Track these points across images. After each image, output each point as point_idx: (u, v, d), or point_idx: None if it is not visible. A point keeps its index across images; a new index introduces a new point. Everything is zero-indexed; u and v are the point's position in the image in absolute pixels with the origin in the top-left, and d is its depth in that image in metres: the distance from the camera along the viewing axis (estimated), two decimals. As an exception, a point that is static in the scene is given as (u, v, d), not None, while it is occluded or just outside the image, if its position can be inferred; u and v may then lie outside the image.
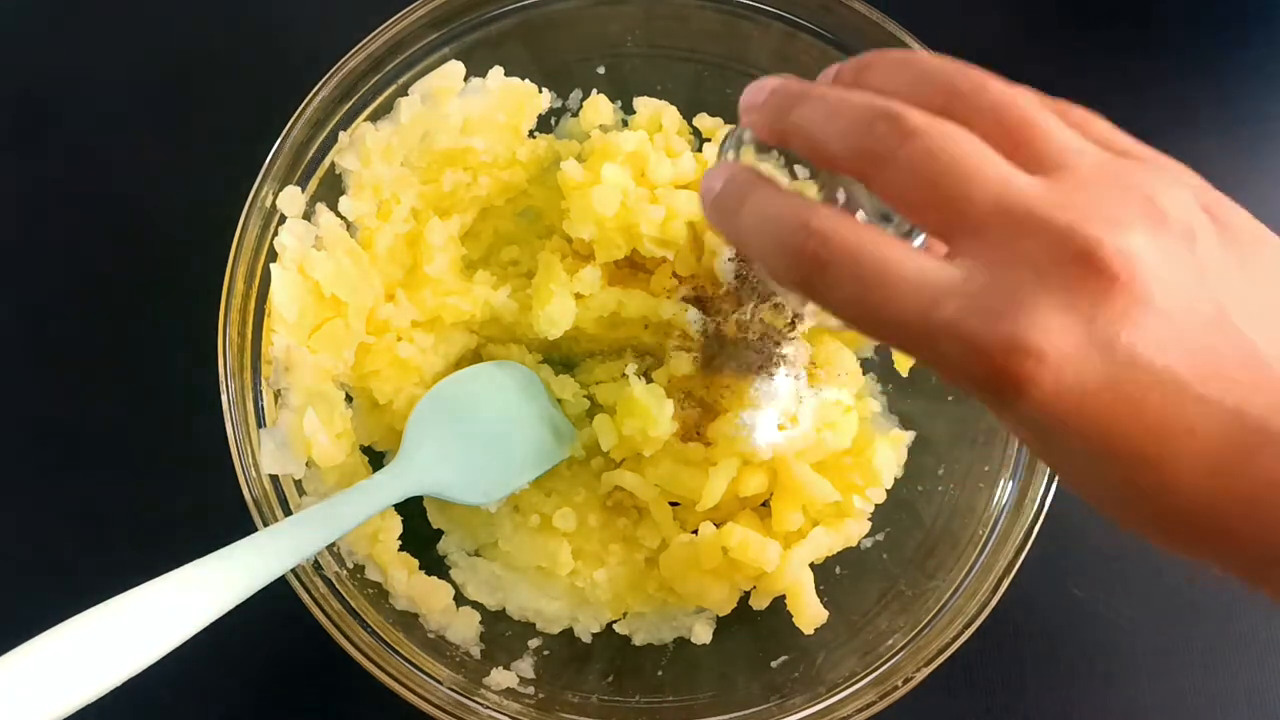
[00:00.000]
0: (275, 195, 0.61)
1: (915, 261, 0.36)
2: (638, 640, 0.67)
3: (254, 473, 0.58)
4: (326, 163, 0.64)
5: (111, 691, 0.46)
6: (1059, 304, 0.34)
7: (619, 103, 0.73)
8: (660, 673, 0.66)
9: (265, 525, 0.57)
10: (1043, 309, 0.34)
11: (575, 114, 0.73)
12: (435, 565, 0.67)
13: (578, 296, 0.69)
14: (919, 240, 0.43)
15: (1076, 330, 0.34)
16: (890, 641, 0.61)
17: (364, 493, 0.58)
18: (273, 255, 0.61)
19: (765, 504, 0.68)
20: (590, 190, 0.67)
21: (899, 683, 0.58)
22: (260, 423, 0.60)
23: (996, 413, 0.37)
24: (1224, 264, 0.37)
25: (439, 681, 0.58)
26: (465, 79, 0.67)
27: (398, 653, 0.58)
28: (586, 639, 0.67)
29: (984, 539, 0.62)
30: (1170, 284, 0.35)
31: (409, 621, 0.62)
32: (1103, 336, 0.34)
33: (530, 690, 0.62)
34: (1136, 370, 0.34)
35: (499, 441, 0.67)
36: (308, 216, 0.63)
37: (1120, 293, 0.34)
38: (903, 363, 0.70)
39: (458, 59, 0.66)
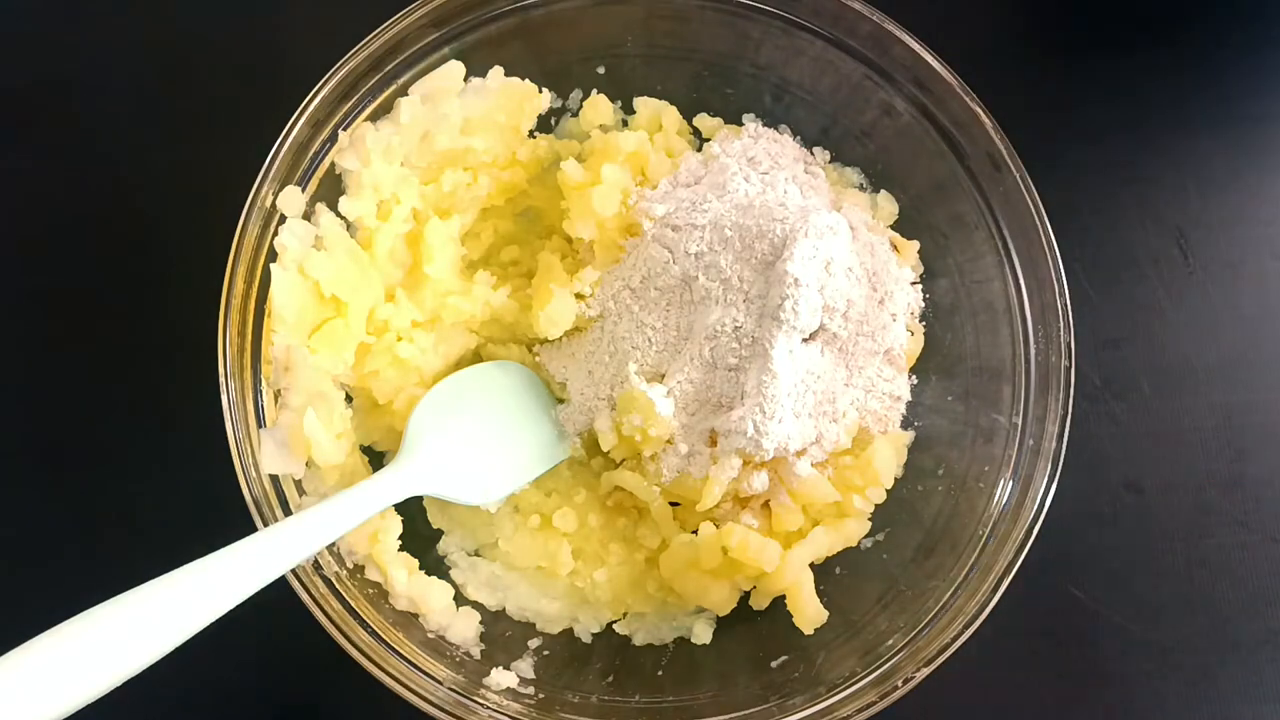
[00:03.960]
0: (275, 195, 0.61)
1: None
2: (638, 640, 0.67)
3: (254, 473, 0.58)
4: (326, 163, 0.64)
5: (111, 691, 0.46)
6: None
7: (619, 103, 0.73)
8: (660, 673, 0.66)
9: (265, 525, 0.57)
10: None
11: (575, 114, 0.73)
12: (435, 565, 0.67)
13: (578, 296, 0.69)
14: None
15: None
16: (890, 641, 0.61)
17: (364, 493, 0.58)
18: (273, 255, 0.61)
19: (765, 504, 0.68)
20: (590, 190, 0.67)
21: (899, 683, 0.58)
22: (260, 423, 0.60)
23: None
24: None
25: (439, 681, 0.58)
26: (465, 79, 0.67)
27: (398, 653, 0.58)
28: (586, 639, 0.67)
29: (984, 539, 0.62)
30: None
31: (409, 621, 0.62)
32: None
33: (530, 690, 0.62)
34: None
35: (499, 441, 0.67)
36: (308, 216, 0.63)
37: None
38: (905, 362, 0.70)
39: (458, 59, 0.66)
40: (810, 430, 0.65)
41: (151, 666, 0.48)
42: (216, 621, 0.51)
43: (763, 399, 0.63)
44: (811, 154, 0.73)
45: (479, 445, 0.66)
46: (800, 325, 0.64)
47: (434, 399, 0.65)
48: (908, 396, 0.69)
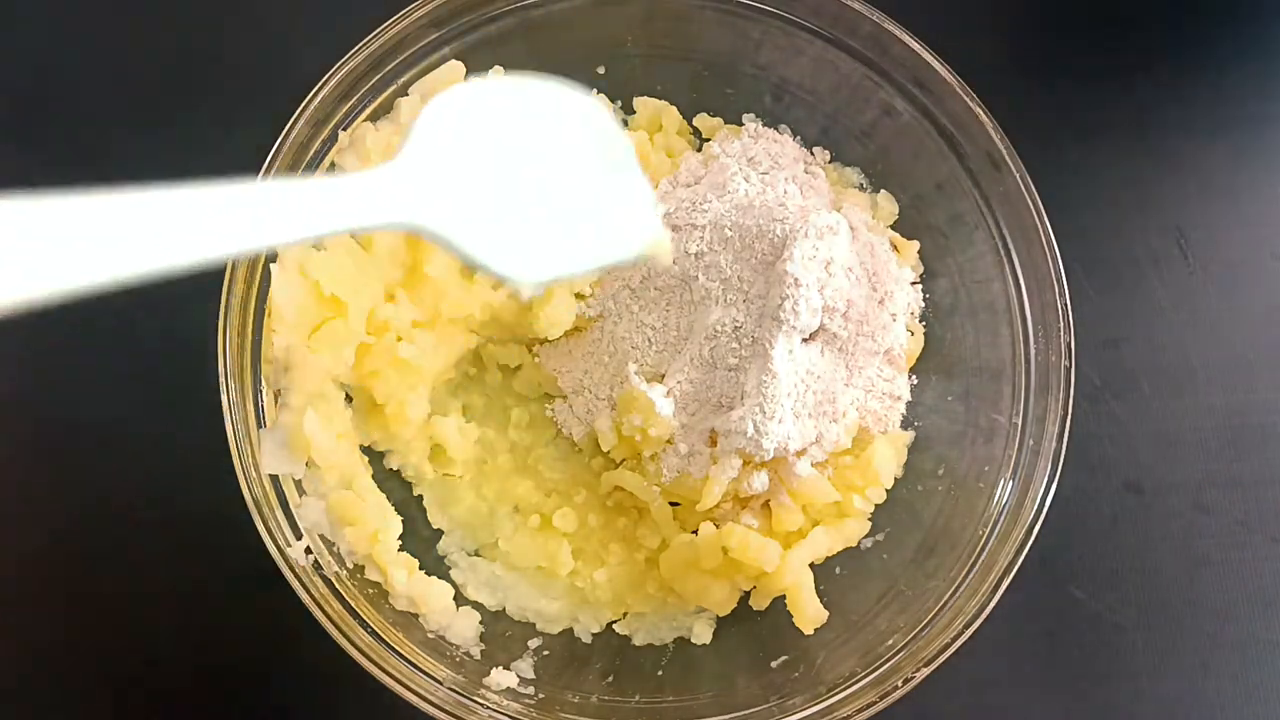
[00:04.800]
0: (275, 195, 0.61)
1: None
2: (638, 640, 0.67)
3: (254, 473, 0.58)
4: (326, 163, 0.64)
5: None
6: None
7: (619, 103, 0.73)
8: (660, 673, 0.66)
9: (266, 525, 0.57)
10: None
11: (575, 114, 0.73)
12: (435, 565, 0.67)
13: (578, 296, 0.69)
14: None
15: None
16: (890, 641, 0.61)
17: (346, 191, 0.40)
18: (273, 255, 0.61)
19: (765, 504, 0.68)
20: None
21: (899, 683, 0.58)
22: (260, 423, 0.60)
23: None
24: None
25: (439, 681, 0.58)
26: (465, 79, 0.67)
27: (398, 653, 0.58)
28: (586, 639, 0.67)
29: (983, 539, 0.62)
30: None
31: (409, 622, 0.62)
32: None
33: (530, 690, 0.62)
34: None
35: (552, 194, 0.45)
36: (308, 216, 0.63)
37: None
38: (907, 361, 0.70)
39: (458, 59, 0.66)
40: (810, 430, 0.65)
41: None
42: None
43: (763, 399, 0.63)
44: (811, 154, 0.73)
45: (525, 190, 0.44)
46: (800, 325, 0.64)
47: (465, 100, 0.43)
48: (908, 396, 0.69)
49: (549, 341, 0.70)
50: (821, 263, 0.64)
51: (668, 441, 0.66)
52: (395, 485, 0.68)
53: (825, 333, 0.66)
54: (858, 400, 0.68)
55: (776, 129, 0.73)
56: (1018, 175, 0.65)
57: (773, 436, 0.63)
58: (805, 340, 0.65)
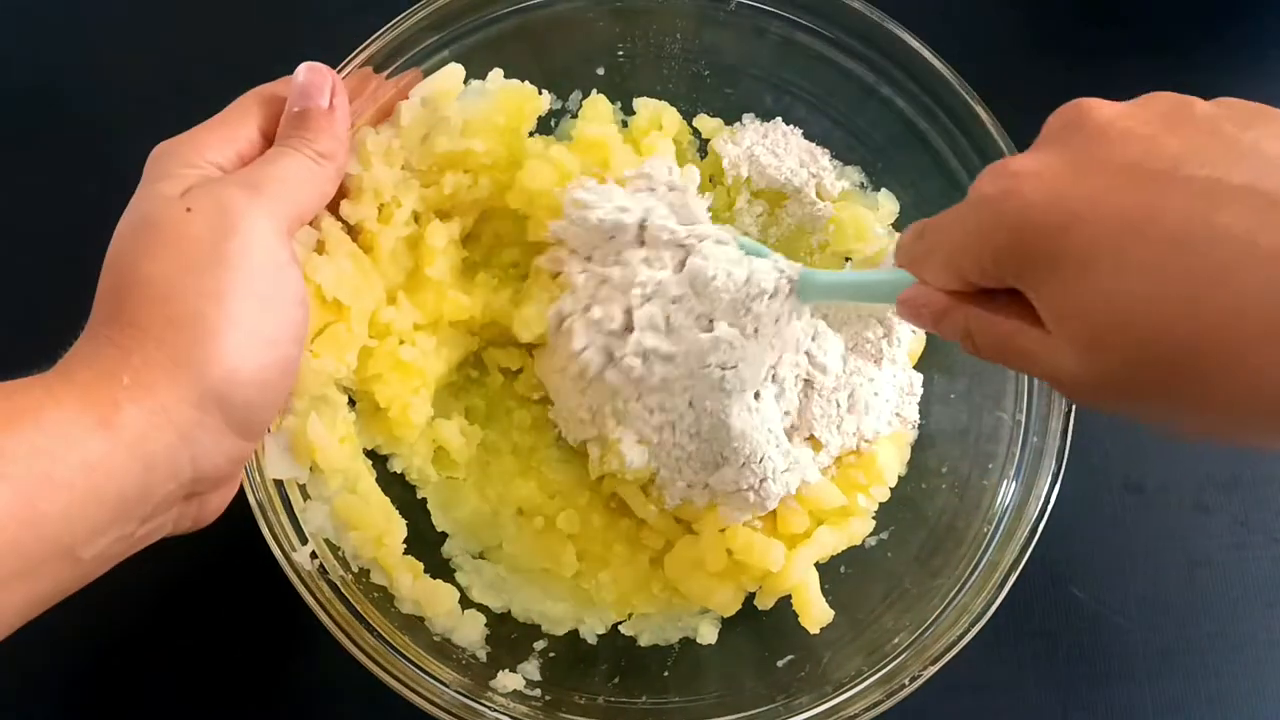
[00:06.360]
0: (277, 197, 0.61)
1: None
2: (643, 641, 0.67)
3: (258, 477, 0.58)
4: (327, 164, 0.64)
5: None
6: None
7: (619, 103, 0.73)
8: (666, 673, 0.66)
9: (270, 529, 0.57)
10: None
11: (575, 115, 0.73)
12: (440, 568, 0.67)
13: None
14: None
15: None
16: (896, 640, 0.61)
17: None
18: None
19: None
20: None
21: (905, 681, 0.58)
22: (264, 428, 0.60)
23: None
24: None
25: (445, 684, 0.58)
26: (465, 81, 0.67)
27: (404, 656, 0.58)
28: (592, 640, 0.67)
29: (988, 537, 0.62)
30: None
31: (414, 625, 0.62)
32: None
33: (536, 692, 0.62)
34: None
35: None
36: (309, 220, 0.63)
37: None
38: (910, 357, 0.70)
39: (458, 61, 0.66)
40: (806, 455, 0.65)
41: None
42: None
43: (748, 460, 0.62)
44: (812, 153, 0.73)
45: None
46: (745, 388, 0.62)
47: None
48: (918, 393, 0.69)
49: (542, 346, 0.70)
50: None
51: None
52: (399, 489, 0.68)
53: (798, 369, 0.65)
54: (859, 403, 0.68)
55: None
56: (1019, 175, 0.65)
57: (773, 492, 0.63)
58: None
